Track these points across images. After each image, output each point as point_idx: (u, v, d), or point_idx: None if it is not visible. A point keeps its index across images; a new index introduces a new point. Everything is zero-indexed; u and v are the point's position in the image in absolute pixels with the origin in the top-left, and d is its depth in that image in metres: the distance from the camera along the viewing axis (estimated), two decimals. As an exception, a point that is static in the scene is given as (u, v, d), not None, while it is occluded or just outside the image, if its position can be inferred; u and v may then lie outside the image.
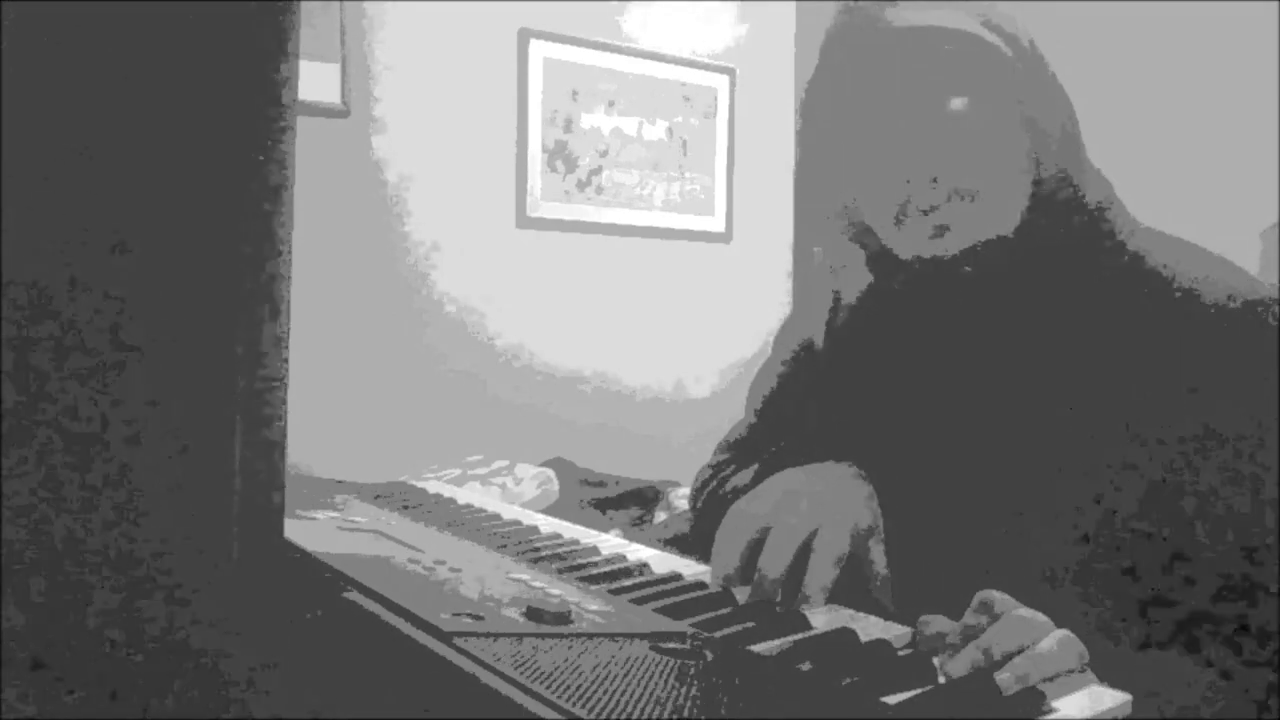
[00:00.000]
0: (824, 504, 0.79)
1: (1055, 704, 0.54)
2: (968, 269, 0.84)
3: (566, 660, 0.50)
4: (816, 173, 0.91)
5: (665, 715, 0.44)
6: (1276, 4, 2.82)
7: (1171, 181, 2.33)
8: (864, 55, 0.83)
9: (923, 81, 0.80)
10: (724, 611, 0.69)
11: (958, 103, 0.80)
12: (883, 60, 0.82)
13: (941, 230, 0.82)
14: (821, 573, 0.74)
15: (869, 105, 0.83)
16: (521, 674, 0.47)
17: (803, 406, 1.03)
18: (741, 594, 0.74)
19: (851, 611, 0.71)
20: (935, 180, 0.80)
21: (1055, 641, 0.60)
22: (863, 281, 1.01)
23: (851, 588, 0.76)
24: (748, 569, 0.76)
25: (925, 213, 0.82)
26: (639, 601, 0.70)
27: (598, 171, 2.94)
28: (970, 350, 0.88)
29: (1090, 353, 0.83)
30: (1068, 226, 0.85)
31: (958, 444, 0.86)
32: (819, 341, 1.04)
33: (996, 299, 0.87)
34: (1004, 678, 0.56)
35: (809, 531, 0.76)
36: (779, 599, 0.73)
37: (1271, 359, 0.77)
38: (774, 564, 0.74)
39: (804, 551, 0.76)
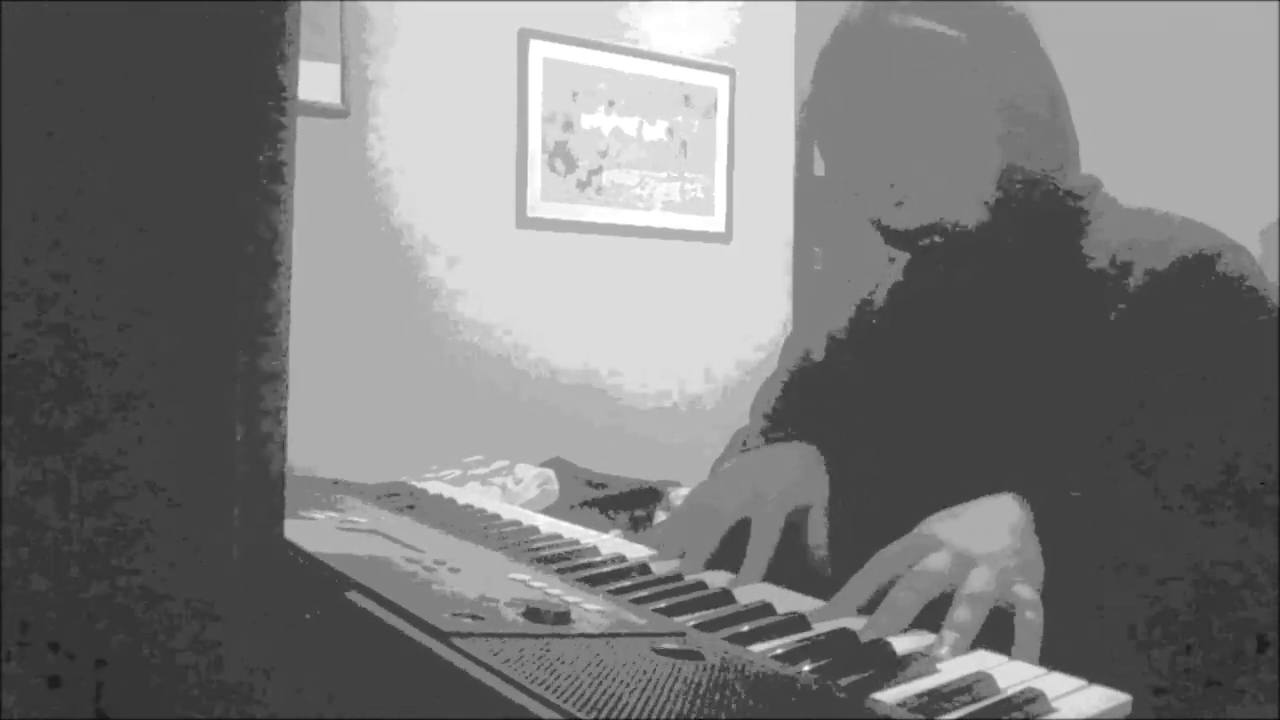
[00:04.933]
0: (761, 487, 0.89)
1: (1055, 704, 0.54)
2: (939, 244, 0.92)
3: (566, 660, 0.50)
4: (821, 152, 1.00)
5: (665, 716, 0.44)
6: (1277, 4, 2.82)
7: (1172, 182, 2.33)
8: (851, 51, 0.93)
9: (891, 74, 0.90)
10: (724, 611, 0.69)
11: (920, 95, 0.89)
12: (856, 53, 0.92)
13: (899, 204, 0.91)
14: (756, 554, 0.83)
15: (850, 89, 0.93)
16: (521, 674, 0.47)
17: (801, 409, 1.09)
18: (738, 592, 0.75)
19: (780, 590, 0.78)
20: (894, 158, 0.90)
21: (944, 559, 0.69)
22: (858, 287, 1.10)
23: (789, 558, 0.85)
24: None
25: (891, 186, 0.91)
26: (639, 601, 0.70)
27: (598, 172, 2.94)
28: (946, 348, 0.95)
29: (1058, 346, 0.88)
30: (1046, 219, 0.92)
31: (930, 433, 0.93)
32: (817, 351, 1.11)
33: (974, 294, 0.95)
34: (943, 651, 0.62)
35: (736, 518, 0.86)
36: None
37: (1222, 313, 0.84)
38: (695, 559, 0.84)
39: (743, 531, 0.85)
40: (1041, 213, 0.92)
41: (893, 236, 0.94)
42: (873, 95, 0.90)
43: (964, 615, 0.65)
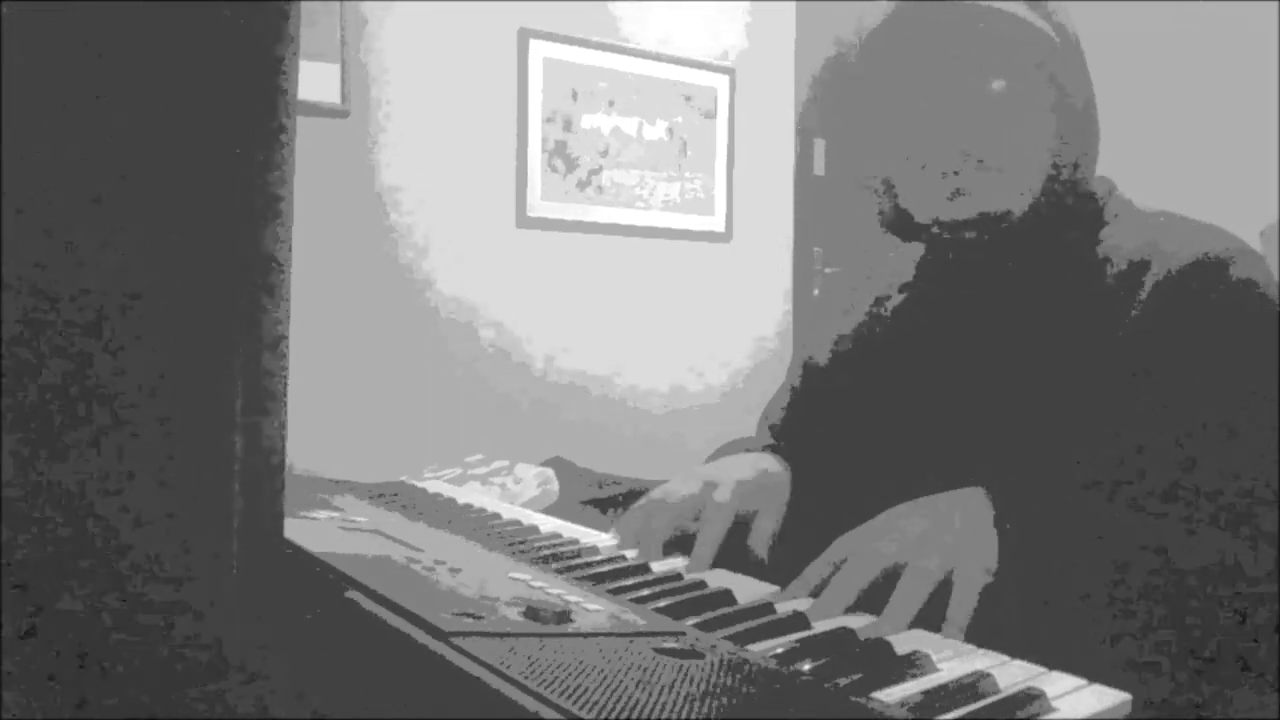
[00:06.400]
0: (714, 481, 0.91)
1: (1055, 704, 0.54)
2: (983, 239, 0.90)
3: (566, 660, 0.50)
4: (849, 133, 0.99)
5: (665, 715, 0.44)
6: (1276, 4, 2.82)
7: (1172, 182, 2.33)
8: (922, 24, 0.89)
9: (968, 55, 0.87)
10: (724, 611, 0.69)
11: (997, 79, 0.87)
12: (937, 31, 0.88)
13: (956, 194, 0.89)
14: (704, 543, 0.86)
15: (917, 70, 0.89)
16: (521, 674, 0.47)
17: (805, 422, 1.09)
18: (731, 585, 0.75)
19: (728, 572, 0.82)
20: (959, 146, 0.87)
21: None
22: (867, 292, 1.08)
23: (738, 551, 0.89)
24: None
25: (945, 175, 0.89)
26: (639, 601, 0.70)
27: (598, 171, 2.94)
28: (957, 352, 0.94)
29: (1070, 349, 0.87)
30: (1068, 220, 0.91)
31: (937, 437, 0.92)
32: (824, 360, 1.10)
33: (988, 295, 0.93)
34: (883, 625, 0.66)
35: (688, 508, 0.89)
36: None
37: (1234, 326, 0.83)
38: (650, 546, 0.87)
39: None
40: (1061, 213, 0.91)
41: (920, 231, 0.93)
42: (951, 79, 0.87)
43: (904, 595, 0.69)
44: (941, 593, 0.70)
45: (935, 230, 0.93)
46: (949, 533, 0.74)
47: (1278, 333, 0.82)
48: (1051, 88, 0.88)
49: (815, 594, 0.73)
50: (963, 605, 0.69)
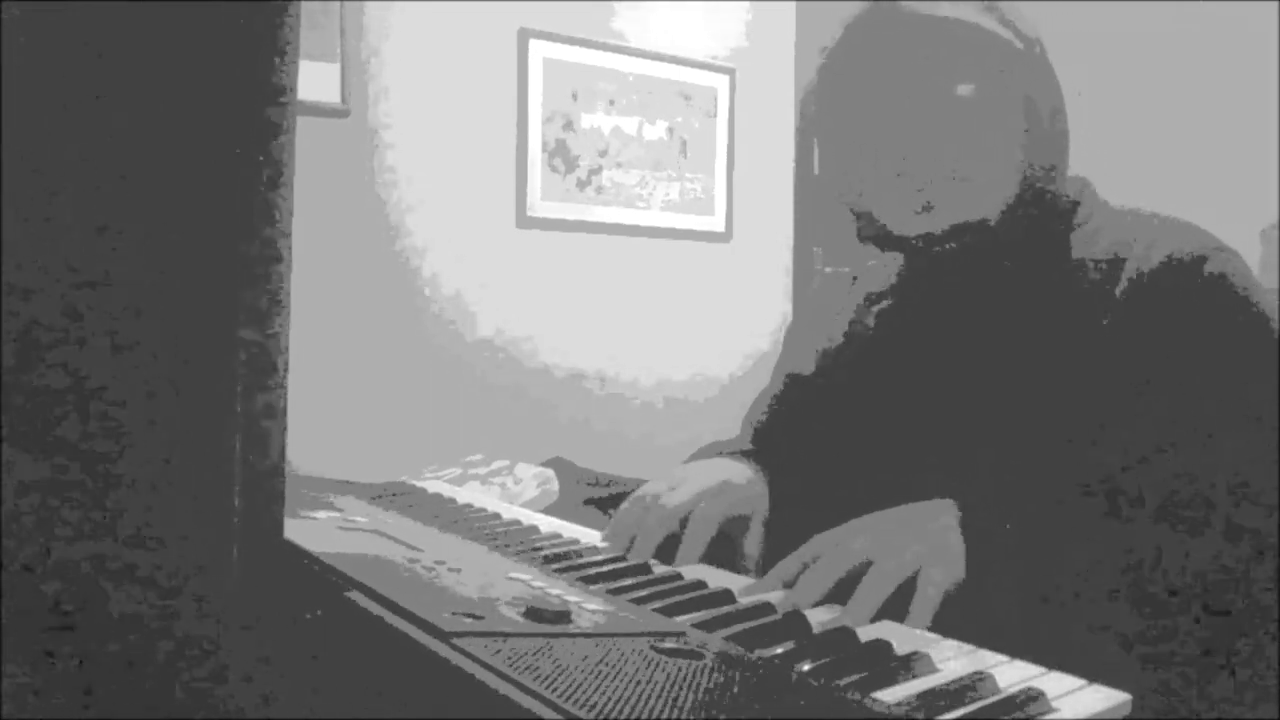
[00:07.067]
0: (704, 487, 0.92)
1: (1055, 704, 0.54)
2: (954, 250, 0.90)
3: (566, 660, 0.50)
4: (825, 146, 0.97)
5: (664, 715, 0.44)
6: (1276, 4, 2.82)
7: (1172, 182, 2.33)
8: (881, 36, 0.88)
9: (930, 65, 0.86)
10: (724, 611, 0.69)
11: (961, 89, 0.86)
12: (897, 42, 0.87)
13: (926, 208, 0.88)
14: (691, 543, 0.87)
15: (879, 83, 0.88)
16: (521, 674, 0.47)
17: (787, 426, 1.09)
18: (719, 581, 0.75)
19: (716, 570, 0.84)
20: (927, 158, 0.86)
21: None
22: (851, 297, 1.07)
23: (721, 557, 0.89)
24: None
25: (914, 190, 0.88)
26: (639, 601, 0.70)
27: (598, 171, 2.94)
28: (937, 360, 0.94)
29: (1046, 353, 0.86)
30: (1043, 224, 0.91)
31: (913, 444, 0.92)
32: (808, 365, 1.09)
33: (967, 302, 0.93)
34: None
35: (681, 513, 0.89)
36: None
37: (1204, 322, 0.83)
38: (645, 547, 0.87)
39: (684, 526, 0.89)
40: (1035, 216, 0.91)
41: (897, 242, 0.92)
42: (914, 91, 0.86)
43: (870, 587, 0.71)
44: (906, 590, 0.72)
45: (911, 241, 0.92)
46: (916, 538, 0.75)
47: (1252, 328, 0.82)
48: (1017, 94, 0.86)
49: (789, 586, 0.76)
50: (924, 604, 0.71)
